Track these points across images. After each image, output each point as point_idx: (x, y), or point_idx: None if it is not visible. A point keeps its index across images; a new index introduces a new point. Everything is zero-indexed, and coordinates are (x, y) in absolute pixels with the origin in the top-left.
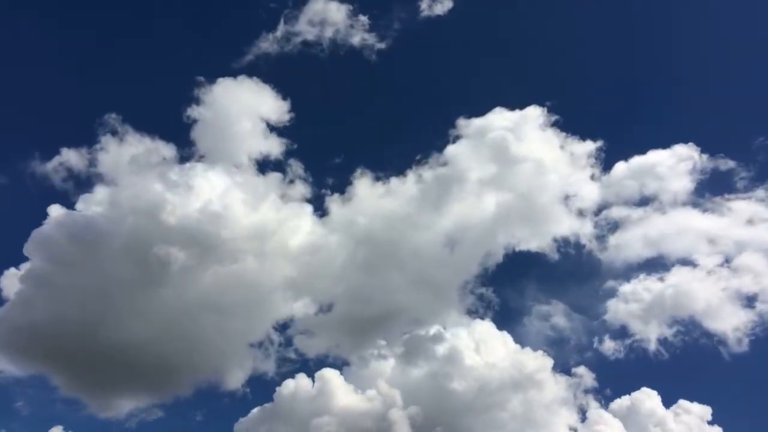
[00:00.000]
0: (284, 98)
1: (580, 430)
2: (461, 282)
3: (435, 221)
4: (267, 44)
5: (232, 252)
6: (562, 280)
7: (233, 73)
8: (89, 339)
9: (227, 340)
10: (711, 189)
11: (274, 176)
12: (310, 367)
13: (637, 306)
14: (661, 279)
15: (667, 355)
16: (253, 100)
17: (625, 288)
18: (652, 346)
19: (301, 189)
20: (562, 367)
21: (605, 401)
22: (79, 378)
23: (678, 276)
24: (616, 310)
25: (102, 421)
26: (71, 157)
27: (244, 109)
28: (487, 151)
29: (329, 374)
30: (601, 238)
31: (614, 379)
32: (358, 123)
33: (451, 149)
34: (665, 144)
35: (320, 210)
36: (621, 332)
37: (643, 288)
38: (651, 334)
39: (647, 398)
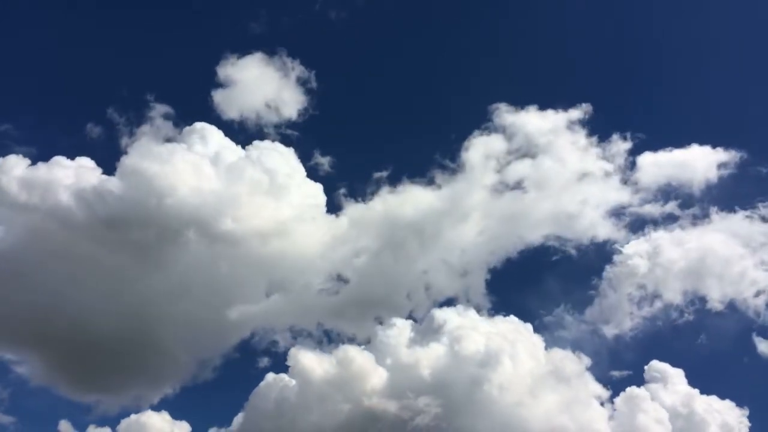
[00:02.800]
0: (309, 77)
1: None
2: (484, 275)
3: (458, 216)
4: (293, 21)
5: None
6: (586, 280)
7: (256, 48)
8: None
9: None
10: (752, 193)
11: (293, 159)
12: (327, 343)
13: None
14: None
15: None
16: (275, 78)
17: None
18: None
19: (324, 174)
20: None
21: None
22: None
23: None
24: (642, 306)
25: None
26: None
27: (264, 85)
28: (518, 147)
29: (348, 351)
30: (631, 240)
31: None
32: (386, 114)
33: (479, 144)
34: (702, 145)
35: (342, 195)
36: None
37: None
38: (679, 321)
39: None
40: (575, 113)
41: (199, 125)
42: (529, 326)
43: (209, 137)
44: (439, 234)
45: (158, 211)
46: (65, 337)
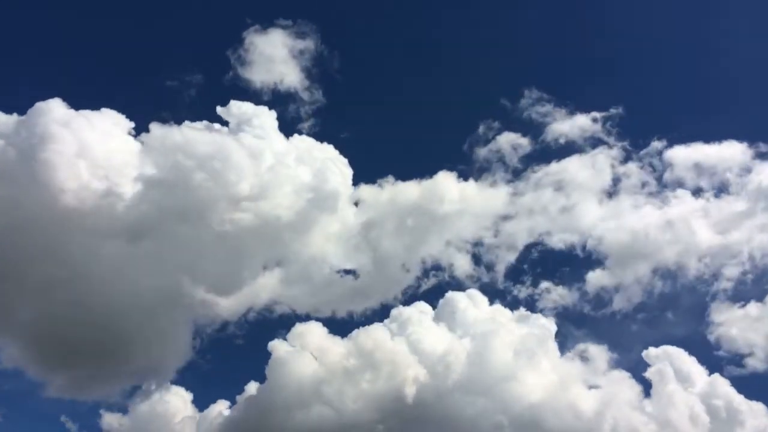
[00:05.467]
0: (333, 55)
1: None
2: (504, 268)
3: (478, 207)
4: None
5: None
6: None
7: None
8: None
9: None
10: None
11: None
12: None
13: None
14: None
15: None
16: (297, 53)
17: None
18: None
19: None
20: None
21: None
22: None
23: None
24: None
25: None
26: None
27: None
28: (545, 146)
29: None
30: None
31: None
32: (412, 100)
33: (505, 140)
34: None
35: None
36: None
37: None
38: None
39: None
40: (605, 114)
41: (234, 106)
42: (548, 320)
43: (242, 119)
44: (458, 223)
45: (181, 192)
46: (61, 325)
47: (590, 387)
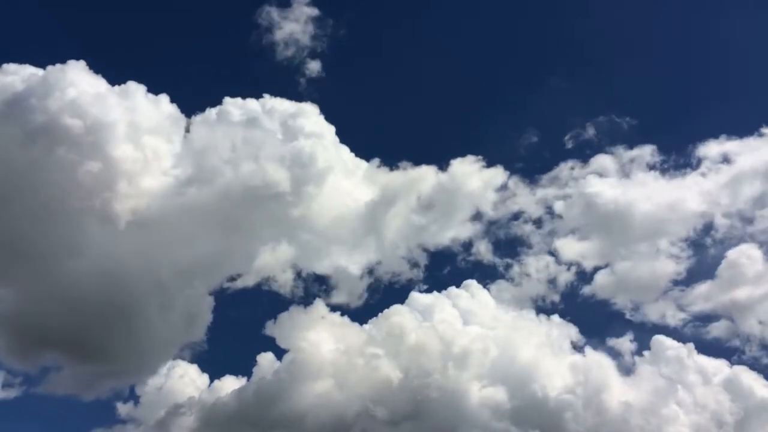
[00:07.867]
0: (353, 36)
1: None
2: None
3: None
4: None
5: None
6: None
7: None
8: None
9: None
10: None
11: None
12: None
13: None
14: None
15: None
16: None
17: None
18: None
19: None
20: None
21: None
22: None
23: None
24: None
25: None
26: None
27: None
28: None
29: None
30: None
31: None
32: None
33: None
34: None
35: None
36: None
37: None
38: None
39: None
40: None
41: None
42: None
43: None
44: (477, 211)
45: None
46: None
47: (615, 376)
